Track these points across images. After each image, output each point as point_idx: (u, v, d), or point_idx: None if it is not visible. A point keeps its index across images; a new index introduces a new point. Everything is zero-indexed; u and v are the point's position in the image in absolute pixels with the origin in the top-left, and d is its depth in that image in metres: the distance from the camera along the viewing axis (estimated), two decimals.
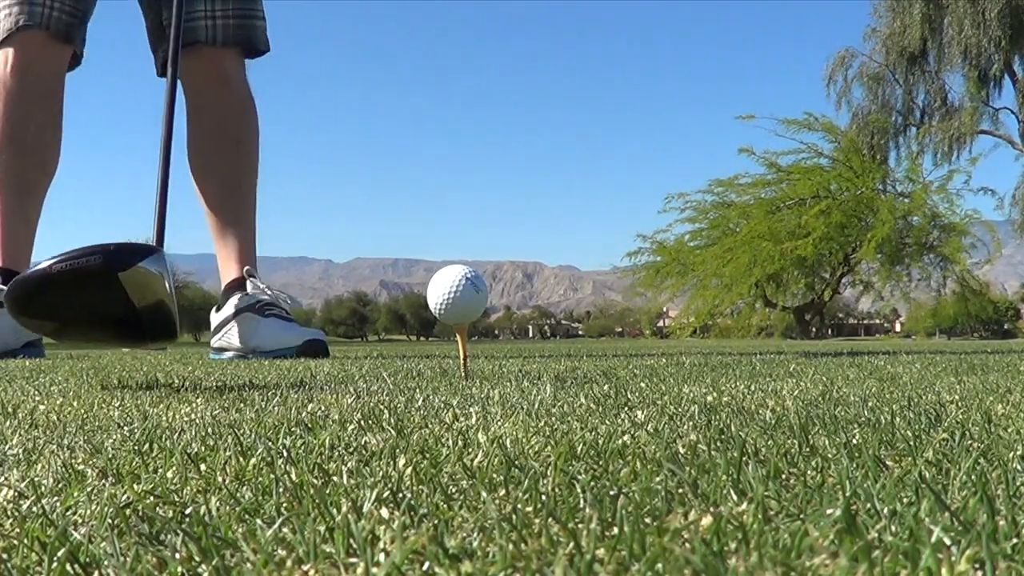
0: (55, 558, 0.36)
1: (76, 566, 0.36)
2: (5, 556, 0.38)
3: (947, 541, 0.36)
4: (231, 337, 2.93)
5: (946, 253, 17.32)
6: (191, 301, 35.86)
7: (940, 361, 2.28)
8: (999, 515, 0.41)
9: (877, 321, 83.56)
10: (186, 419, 0.90)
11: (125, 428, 0.82)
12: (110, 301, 1.38)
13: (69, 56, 2.92)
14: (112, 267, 1.36)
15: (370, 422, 0.83)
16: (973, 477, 0.50)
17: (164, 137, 1.64)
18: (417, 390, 1.23)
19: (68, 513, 0.46)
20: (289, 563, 0.36)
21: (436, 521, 0.42)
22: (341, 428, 0.79)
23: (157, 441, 0.71)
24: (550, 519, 0.40)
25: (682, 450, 0.63)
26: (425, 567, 0.35)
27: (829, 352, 3.37)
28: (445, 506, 0.46)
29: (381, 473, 0.55)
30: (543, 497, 0.47)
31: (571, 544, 0.37)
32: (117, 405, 1.06)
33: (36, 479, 0.55)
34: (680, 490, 0.48)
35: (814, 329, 21.36)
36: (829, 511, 0.40)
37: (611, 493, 0.47)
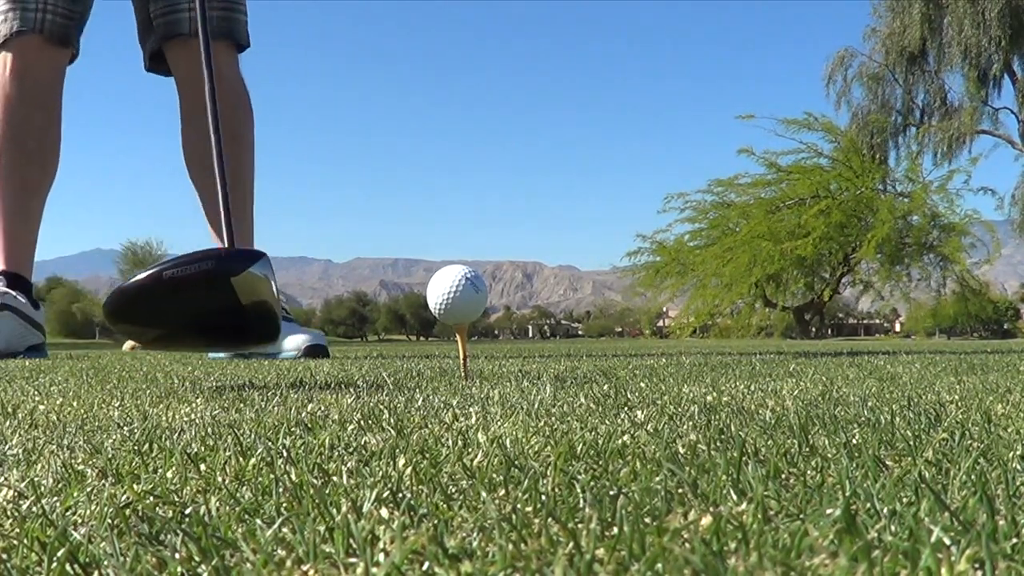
0: (55, 558, 0.36)
1: (76, 566, 0.36)
2: (5, 556, 0.38)
3: (947, 541, 0.36)
4: None
5: (946, 253, 17.30)
6: None
7: (940, 361, 2.28)
8: (999, 515, 0.41)
9: (877, 321, 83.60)
10: (186, 419, 0.90)
11: (125, 428, 0.82)
12: (220, 306, 1.38)
13: (67, 59, 2.92)
14: (225, 272, 1.37)
15: (370, 422, 0.83)
16: (973, 477, 0.50)
17: (215, 141, 1.64)
18: (417, 390, 1.23)
19: (68, 513, 0.46)
20: (289, 563, 0.36)
21: (436, 521, 0.42)
22: (341, 428, 0.79)
23: (157, 441, 0.71)
24: (550, 519, 0.40)
25: (682, 450, 0.63)
26: (425, 567, 0.35)
27: (829, 352, 3.37)
28: (445, 506, 0.46)
29: (381, 473, 0.55)
30: (543, 497, 0.47)
31: (571, 544, 0.37)
32: (117, 405, 1.06)
33: (36, 479, 0.55)
34: (680, 490, 0.48)
35: (814, 329, 21.35)
36: (829, 511, 0.40)
37: (611, 493, 0.47)
